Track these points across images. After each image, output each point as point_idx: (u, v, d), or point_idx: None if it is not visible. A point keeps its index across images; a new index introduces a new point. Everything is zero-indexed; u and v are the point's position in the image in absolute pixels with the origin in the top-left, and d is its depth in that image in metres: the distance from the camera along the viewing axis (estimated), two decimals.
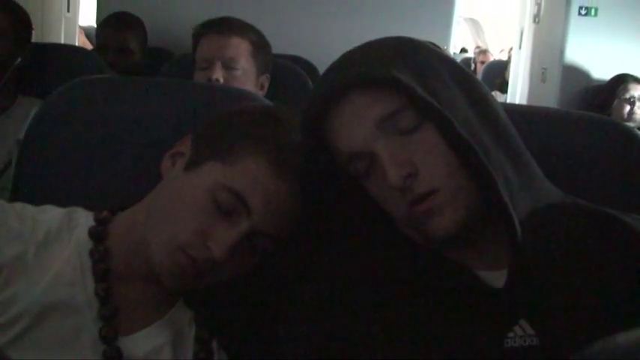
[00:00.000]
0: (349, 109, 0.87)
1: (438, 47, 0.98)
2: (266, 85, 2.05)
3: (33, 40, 2.28)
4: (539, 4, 4.19)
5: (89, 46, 4.62)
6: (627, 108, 3.29)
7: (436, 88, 0.85)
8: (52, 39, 3.81)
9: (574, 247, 0.87)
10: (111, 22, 2.86)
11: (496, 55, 7.51)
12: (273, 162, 0.92)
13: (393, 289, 0.86)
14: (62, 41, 4.02)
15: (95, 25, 3.23)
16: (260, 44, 2.03)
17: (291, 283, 0.93)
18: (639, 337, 0.35)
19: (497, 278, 0.86)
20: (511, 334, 0.82)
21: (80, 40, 5.06)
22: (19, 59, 2.15)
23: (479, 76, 5.48)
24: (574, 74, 3.70)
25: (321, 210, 0.96)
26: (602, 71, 3.64)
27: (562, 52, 3.73)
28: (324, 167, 0.93)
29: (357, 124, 0.86)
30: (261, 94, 1.98)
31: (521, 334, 0.82)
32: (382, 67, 0.85)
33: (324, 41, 2.83)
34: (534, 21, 4.27)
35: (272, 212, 0.91)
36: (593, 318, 0.82)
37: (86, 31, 5.54)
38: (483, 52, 6.92)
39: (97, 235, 0.97)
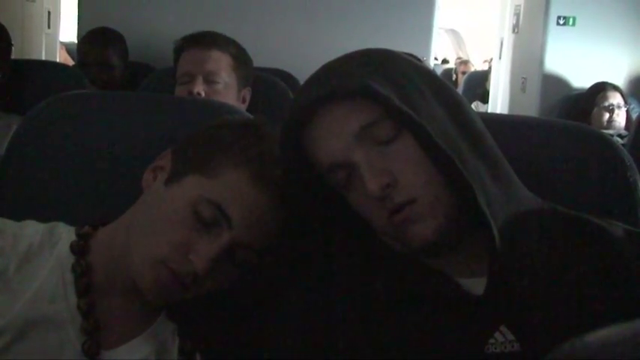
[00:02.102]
0: (328, 120, 0.87)
1: (416, 58, 1.00)
2: (248, 98, 2.05)
3: (13, 56, 2.27)
4: (518, 15, 4.24)
5: (70, 62, 4.61)
6: (606, 115, 3.33)
7: (413, 99, 0.86)
8: (32, 55, 3.81)
9: (552, 252, 0.88)
10: (92, 37, 2.86)
11: (479, 65, 7.56)
12: (254, 174, 0.92)
13: (375, 297, 0.87)
14: (43, 57, 4.01)
15: (76, 41, 3.22)
16: (241, 58, 2.03)
17: (274, 295, 0.93)
18: (607, 336, 0.36)
19: (477, 285, 0.87)
20: (492, 341, 0.83)
21: (62, 56, 5.05)
22: (0, 75, 2.14)
23: (460, 86, 5.53)
24: (554, 83, 3.74)
25: (302, 221, 0.96)
26: (581, 80, 3.69)
27: (541, 61, 3.77)
28: (305, 178, 0.93)
29: (336, 135, 0.87)
30: (242, 107, 1.98)
31: (502, 340, 0.83)
32: (359, 78, 0.86)
33: (304, 53, 2.84)
34: (514, 31, 4.32)
35: (253, 224, 0.92)
36: (572, 322, 0.83)
37: (67, 47, 5.53)
38: (464, 62, 6.97)
39: (79, 249, 0.96)
